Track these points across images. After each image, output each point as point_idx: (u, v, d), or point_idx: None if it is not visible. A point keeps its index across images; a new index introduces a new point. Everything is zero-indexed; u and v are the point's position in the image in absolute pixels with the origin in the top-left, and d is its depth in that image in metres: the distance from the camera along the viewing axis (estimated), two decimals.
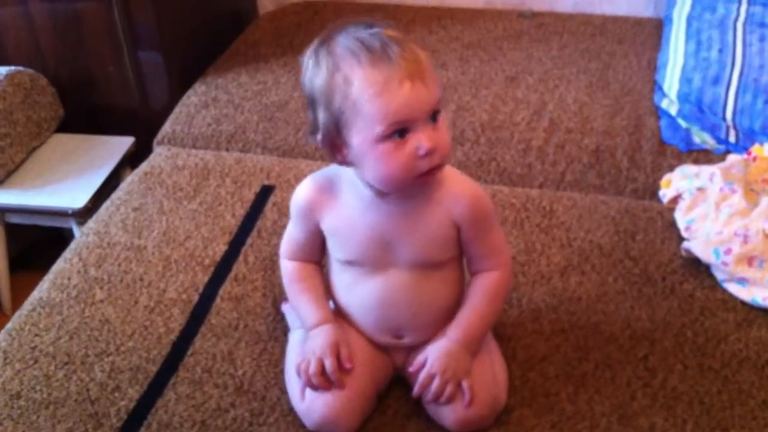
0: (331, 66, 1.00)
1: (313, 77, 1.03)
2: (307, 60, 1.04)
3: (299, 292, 1.21)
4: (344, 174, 1.13)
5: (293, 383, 1.19)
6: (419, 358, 1.14)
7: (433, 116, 1.01)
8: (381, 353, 1.21)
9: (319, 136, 1.05)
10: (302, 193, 1.17)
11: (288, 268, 1.23)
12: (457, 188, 1.12)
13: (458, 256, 1.17)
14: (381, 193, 1.09)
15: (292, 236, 1.22)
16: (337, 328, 1.16)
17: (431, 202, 1.10)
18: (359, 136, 1.01)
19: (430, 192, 1.10)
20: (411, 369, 1.15)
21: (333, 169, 1.15)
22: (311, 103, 1.05)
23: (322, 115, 1.03)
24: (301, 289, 1.21)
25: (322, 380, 1.12)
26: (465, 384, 1.12)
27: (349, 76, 0.98)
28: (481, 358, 1.17)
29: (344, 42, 1.00)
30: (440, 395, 1.11)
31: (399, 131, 0.99)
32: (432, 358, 1.13)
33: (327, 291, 1.22)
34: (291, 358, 1.22)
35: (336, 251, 1.16)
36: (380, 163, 1.01)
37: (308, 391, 1.15)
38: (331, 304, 1.23)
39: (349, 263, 1.16)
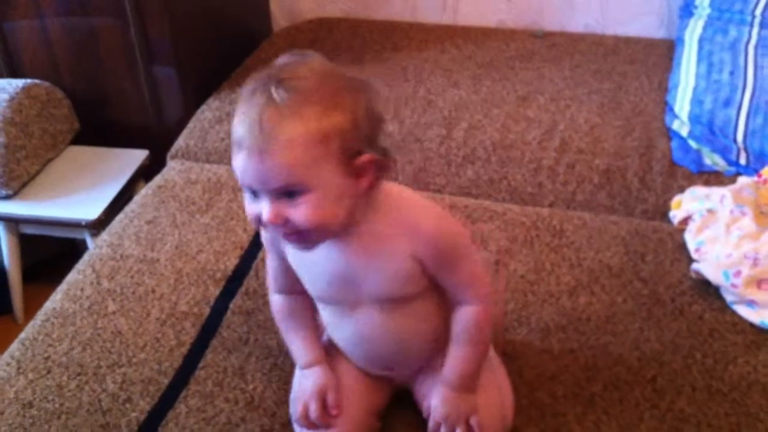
0: (240, 95, 0.96)
1: None
2: None
3: (288, 331, 1.19)
4: None
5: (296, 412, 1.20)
6: (426, 405, 1.15)
7: (288, 193, 0.93)
8: (377, 378, 1.20)
9: None
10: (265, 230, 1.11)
11: (276, 303, 1.20)
12: (414, 221, 1.04)
13: (431, 287, 1.09)
14: None
15: (270, 267, 1.18)
16: (326, 370, 1.15)
17: (388, 237, 1.03)
18: None
19: (381, 227, 1.03)
20: (424, 415, 1.16)
21: None
22: None
23: None
24: (289, 327, 1.19)
25: (309, 423, 1.13)
26: (473, 420, 1.11)
27: (235, 114, 0.95)
28: (486, 381, 1.16)
29: (255, 77, 0.95)
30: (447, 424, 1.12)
31: (250, 190, 0.96)
32: (434, 408, 1.12)
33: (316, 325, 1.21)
34: (295, 387, 1.23)
35: (306, 286, 1.12)
36: (245, 205, 0.99)
37: None
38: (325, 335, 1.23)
39: (320, 300, 1.13)
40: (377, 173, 0.99)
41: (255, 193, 0.95)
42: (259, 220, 0.96)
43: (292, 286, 1.15)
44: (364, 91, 0.97)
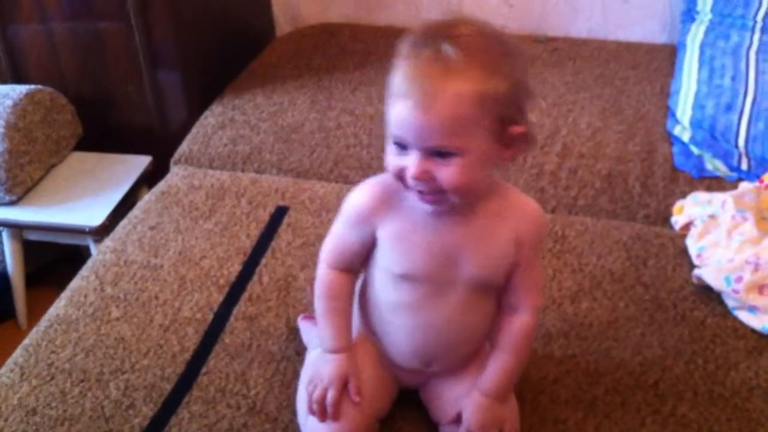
0: (400, 47, 0.97)
1: None
2: None
3: (327, 312, 1.15)
4: None
5: (302, 402, 1.19)
6: (451, 412, 1.14)
7: (440, 153, 0.94)
8: (388, 377, 1.19)
9: None
10: (361, 198, 1.09)
11: (325, 278, 1.15)
12: (524, 206, 1.08)
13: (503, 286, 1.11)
14: None
15: (340, 241, 1.13)
16: (352, 358, 1.14)
17: (497, 217, 1.05)
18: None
19: (495, 206, 1.05)
20: (444, 422, 1.15)
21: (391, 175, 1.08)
22: None
23: None
24: (330, 308, 1.15)
25: (321, 408, 1.11)
26: (507, 429, 1.12)
27: (396, 64, 0.96)
28: None
29: (419, 32, 0.96)
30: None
31: (398, 142, 0.96)
32: (469, 416, 1.11)
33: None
34: (305, 378, 1.22)
35: (392, 263, 1.09)
36: (387, 157, 1.00)
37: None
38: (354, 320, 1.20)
39: (406, 278, 1.09)
40: (523, 146, 1.00)
41: (403, 147, 0.96)
42: (401, 173, 0.96)
43: (354, 264, 1.14)
44: (523, 60, 0.99)
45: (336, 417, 1.11)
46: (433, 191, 0.97)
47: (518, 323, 1.11)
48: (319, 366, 1.15)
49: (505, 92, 0.94)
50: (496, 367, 1.11)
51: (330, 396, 1.11)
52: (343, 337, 1.14)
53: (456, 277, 1.07)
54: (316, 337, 1.29)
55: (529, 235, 1.07)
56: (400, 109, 0.93)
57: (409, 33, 0.96)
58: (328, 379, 1.12)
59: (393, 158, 0.98)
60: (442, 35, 0.93)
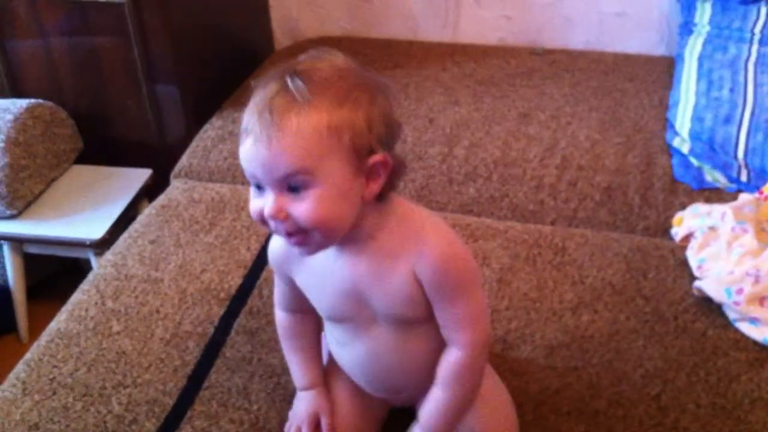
0: (254, 85, 0.95)
1: None
2: None
3: (290, 351, 1.18)
4: None
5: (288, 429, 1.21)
6: None
7: (292, 188, 0.91)
8: (372, 403, 1.19)
9: None
10: (272, 250, 1.10)
11: (281, 321, 1.18)
12: (426, 244, 0.99)
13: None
14: (339, 243, 1.01)
15: (277, 286, 1.16)
16: (322, 394, 1.14)
17: (395, 254, 1.00)
18: None
19: (395, 240, 1.00)
20: None
21: None
22: None
23: None
24: (291, 347, 1.18)
25: None
26: None
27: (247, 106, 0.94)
28: (490, 393, 1.16)
29: (270, 71, 0.95)
30: None
31: (255, 185, 0.94)
32: None
33: (319, 345, 1.21)
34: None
35: (316, 307, 1.10)
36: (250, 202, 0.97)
37: None
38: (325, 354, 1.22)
39: (331, 319, 1.10)
40: (389, 178, 0.96)
41: (260, 188, 0.93)
42: (261, 215, 0.93)
43: (299, 305, 1.14)
44: (383, 93, 0.96)
45: None
46: (294, 231, 0.93)
47: (451, 359, 1.05)
48: (295, 404, 1.17)
49: (360, 122, 0.91)
50: (431, 401, 1.08)
51: (326, 421, 1.13)
52: (309, 373, 1.17)
53: (372, 315, 1.05)
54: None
55: (427, 275, 1.00)
56: (247, 146, 0.91)
57: (268, 70, 0.95)
58: (299, 419, 1.14)
59: (252, 200, 0.95)
60: (291, 70, 0.92)
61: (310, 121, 0.88)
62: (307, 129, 0.88)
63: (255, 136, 0.89)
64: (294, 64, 0.94)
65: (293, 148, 0.89)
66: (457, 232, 1.06)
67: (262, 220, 0.94)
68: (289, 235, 0.94)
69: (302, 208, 0.91)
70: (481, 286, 1.08)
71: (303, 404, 1.15)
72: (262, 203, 0.93)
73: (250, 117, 0.91)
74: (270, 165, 0.90)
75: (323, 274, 1.04)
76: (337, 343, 1.14)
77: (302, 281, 1.09)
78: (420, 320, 1.04)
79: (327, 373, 1.20)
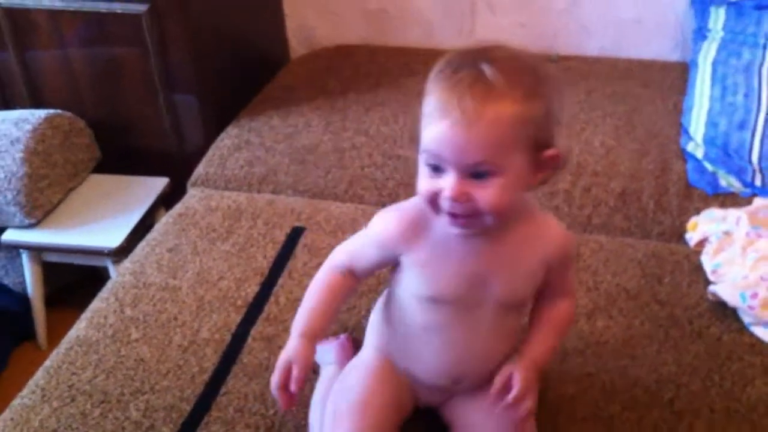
0: (434, 71, 0.98)
1: None
2: None
3: (312, 297, 1.13)
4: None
5: (315, 418, 1.20)
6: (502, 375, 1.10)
7: (477, 174, 0.94)
8: (406, 391, 1.19)
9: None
10: (386, 226, 1.09)
11: (325, 278, 1.14)
12: (551, 230, 1.10)
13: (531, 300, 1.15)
14: None
15: (359, 251, 1.13)
16: (305, 346, 1.08)
17: (526, 240, 1.07)
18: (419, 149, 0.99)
19: (523, 230, 1.06)
20: (494, 390, 1.10)
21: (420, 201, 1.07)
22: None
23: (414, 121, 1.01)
24: (317, 295, 1.13)
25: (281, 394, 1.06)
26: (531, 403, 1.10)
27: (428, 87, 0.97)
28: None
29: (456, 55, 0.97)
30: (520, 400, 1.08)
31: (432, 164, 0.96)
32: (518, 380, 1.08)
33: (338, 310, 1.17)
34: (317, 395, 1.24)
35: (419, 287, 1.09)
36: (418, 181, 0.99)
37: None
38: (371, 338, 1.21)
39: (434, 300, 1.09)
40: (554, 170, 1.01)
41: (438, 169, 0.95)
42: (434, 196, 0.96)
43: (363, 271, 1.13)
44: (555, 87, 1.00)
45: (289, 404, 1.06)
46: (468, 214, 0.97)
47: (564, 307, 1.16)
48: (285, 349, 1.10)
49: (541, 116, 0.95)
50: (541, 342, 1.14)
51: (273, 382, 1.06)
52: (310, 324, 1.11)
53: (485, 298, 1.08)
54: (329, 353, 1.30)
55: (557, 257, 1.10)
56: (441, 128, 0.93)
57: (444, 57, 0.98)
58: (278, 363, 1.07)
59: (426, 181, 0.97)
60: (481, 57, 0.94)
61: (507, 112, 0.92)
62: (504, 119, 0.92)
63: (454, 120, 0.92)
64: (485, 51, 0.96)
65: (490, 137, 0.92)
66: None
67: (433, 201, 0.97)
68: (459, 216, 0.97)
69: (486, 194, 0.95)
70: None
71: (284, 351, 1.08)
72: (440, 184, 0.95)
73: (447, 99, 0.93)
74: (465, 149, 0.93)
75: (448, 255, 1.06)
76: (425, 327, 1.12)
77: (418, 260, 1.07)
78: (520, 306, 1.13)
79: (375, 365, 1.19)
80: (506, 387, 1.08)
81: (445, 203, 0.96)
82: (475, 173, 0.94)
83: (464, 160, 0.93)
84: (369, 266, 1.13)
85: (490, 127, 0.92)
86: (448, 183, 0.95)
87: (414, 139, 1.00)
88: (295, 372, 1.05)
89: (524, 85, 0.93)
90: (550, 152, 0.98)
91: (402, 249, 1.08)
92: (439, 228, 1.04)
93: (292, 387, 1.05)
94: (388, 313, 1.18)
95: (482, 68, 0.93)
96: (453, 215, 0.98)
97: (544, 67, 0.99)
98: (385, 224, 1.09)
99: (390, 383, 1.18)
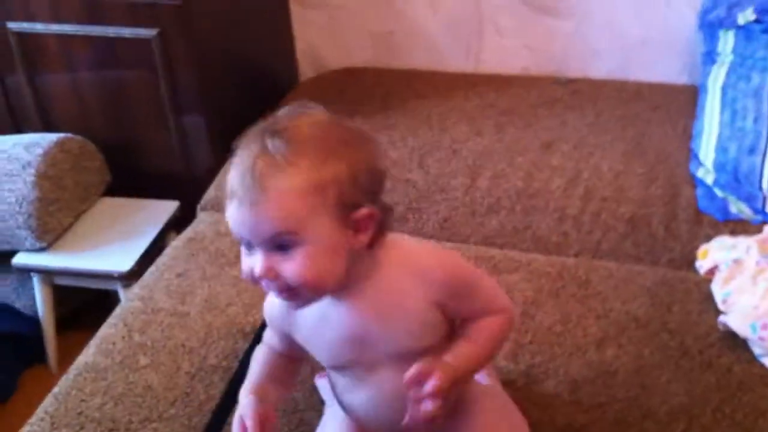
0: (236, 146, 0.96)
1: None
2: None
3: (256, 362, 1.15)
4: None
5: None
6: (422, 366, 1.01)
7: (280, 246, 0.92)
8: None
9: None
10: (268, 309, 1.12)
11: (262, 348, 1.17)
12: (423, 269, 1.02)
13: (449, 332, 1.08)
14: (337, 291, 1.01)
15: (270, 337, 1.17)
16: (254, 401, 1.06)
17: (401, 290, 1.01)
18: None
19: (394, 280, 1.01)
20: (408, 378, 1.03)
21: None
22: None
23: None
24: (261, 365, 1.15)
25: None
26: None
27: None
28: (508, 411, 1.18)
29: (251, 131, 0.96)
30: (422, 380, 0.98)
31: (244, 242, 0.95)
32: (438, 372, 0.99)
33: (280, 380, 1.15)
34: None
35: (318, 358, 1.11)
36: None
37: None
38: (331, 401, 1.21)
39: (335, 369, 1.11)
40: (377, 229, 0.97)
41: (250, 246, 0.94)
42: (252, 275, 0.94)
43: (292, 353, 1.15)
44: (366, 144, 0.97)
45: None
46: (283, 289, 0.95)
47: (488, 320, 1.07)
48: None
49: (343, 177, 0.92)
50: (460, 349, 1.05)
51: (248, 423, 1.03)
52: (254, 382, 1.11)
53: (376, 355, 1.05)
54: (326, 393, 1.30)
55: (444, 295, 1.03)
56: (231, 210, 0.92)
57: (248, 130, 0.96)
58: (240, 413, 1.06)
59: (243, 259, 0.96)
60: (270, 130, 0.93)
61: (292, 183, 0.90)
62: (289, 191, 0.90)
63: (239, 200, 0.91)
64: (273, 123, 0.95)
65: (277, 211, 0.90)
66: (480, 265, 1.07)
67: (254, 279, 0.95)
68: (279, 291, 0.96)
69: (291, 267, 0.92)
70: (474, 268, 1.11)
71: (237, 409, 1.07)
72: (252, 263, 0.94)
73: (233, 179, 0.92)
74: (255, 227, 0.91)
75: (322, 323, 1.04)
76: (342, 390, 1.13)
77: (301, 335, 1.09)
78: (428, 349, 1.04)
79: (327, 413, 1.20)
80: (420, 379, 0.98)
81: (266, 284, 0.95)
82: (278, 246, 0.92)
83: (259, 237, 0.92)
84: (282, 346, 1.14)
85: (275, 201, 0.90)
86: (256, 261, 0.93)
87: None
88: (248, 423, 1.03)
89: (314, 152, 0.91)
90: (360, 213, 0.94)
91: (287, 327, 1.09)
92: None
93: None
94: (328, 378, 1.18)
95: (267, 142, 0.91)
96: (281, 293, 0.96)
97: (352, 129, 0.97)
98: (267, 307, 1.12)
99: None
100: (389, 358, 1.04)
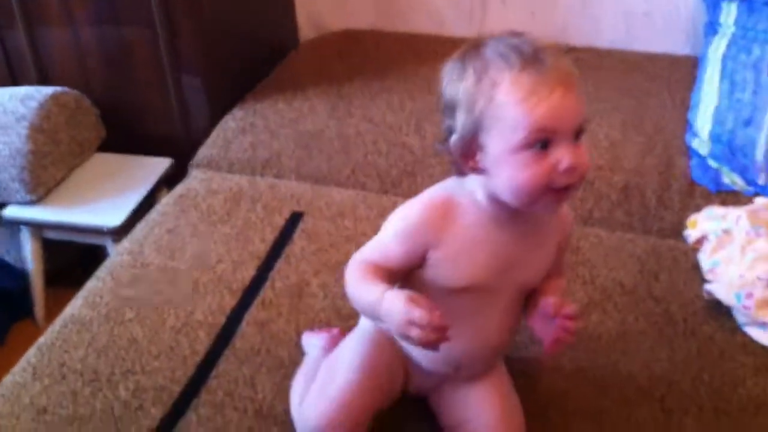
0: (479, 69, 0.97)
1: (456, 82, 0.99)
2: (452, 66, 1.01)
3: (364, 280, 1.05)
4: (461, 191, 1.06)
5: (296, 390, 1.22)
6: (462, 416, 1.17)
7: (577, 135, 0.96)
8: (399, 372, 1.18)
9: (454, 138, 0.99)
10: (420, 215, 1.05)
11: (363, 268, 1.06)
12: (565, 215, 1.13)
13: None
14: (503, 212, 1.03)
15: (385, 251, 1.07)
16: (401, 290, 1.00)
17: (546, 224, 1.09)
18: (499, 142, 0.96)
19: (546, 218, 1.08)
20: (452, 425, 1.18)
21: (448, 186, 1.08)
22: (450, 108, 1.00)
23: (461, 119, 0.98)
24: (368, 280, 1.04)
25: (431, 330, 0.94)
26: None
27: (496, 79, 0.95)
28: (506, 404, 1.19)
29: (495, 46, 0.97)
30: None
31: (542, 141, 0.94)
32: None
33: None
34: (302, 369, 1.26)
35: (446, 280, 1.06)
36: (517, 173, 0.95)
37: (306, 398, 1.16)
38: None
39: (459, 291, 1.07)
40: None
41: (544, 144, 0.94)
42: (547, 176, 0.94)
43: (391, 279, 1.05)
44: None
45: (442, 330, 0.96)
46: (579, 181, 0.98)
47: (560, 282, 1.17)
48: (389, 312, 0.98)
49: None
50: (553, 289, 1.13)
51: (422, 317, 0.94)
52: (383, 284, 1.02)
53: (508, 283, 1.10)
54: (315, 346, 1.30)
55: (565, 238, 1.15)
56: (553, 101, 0.93)
57: (481, 53, 0.99)
58: (404, 311, 0.96)
59: (532, 166, 0.95)
60: (530, 41, 0.98)
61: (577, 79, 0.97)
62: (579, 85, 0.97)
63: (564, 87, 0.94)
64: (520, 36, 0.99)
65: (582, 97, 0.97)
66: None
67: (544, 183, 0.95)
68: (571, 187, 0.98)
69: (585, 154, 0.97)
70: None
71: (395, 305, 0.97)
72: (548, 165, 0.94)
73: (540, 82, 0.93)
74: (577, 110, 0.96)
75: (480, 241, 1.05)
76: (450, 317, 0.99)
77: (449, 251, 1.05)
78: (531, 291, 1.13)
79: (373, 330, 1.17)
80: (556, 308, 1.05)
81: (561, 178, 0.95)
82: (577, 135, 0.96)
83: (576, 121, 0.96)
84: (396, 266, 1.06)
85: (579, 86, 0.97)
86: (565, 152, 0.94)
87: (465, 138, 0.99)
88: (424, 302, 0.95)
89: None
90: None
91: (431, 241, 1.05)
92: (467, 217, 1.05)
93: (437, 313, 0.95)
94: None
95: (531, 40, 0.97)
96: (565, 189, 0.97)
97: None
98: (416, 214, 1.06)
99: (387, 355, 1.17)
100: (516, 288, 1.11)
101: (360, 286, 1.05)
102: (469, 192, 1.05)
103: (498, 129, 0.96)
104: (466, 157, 1.00)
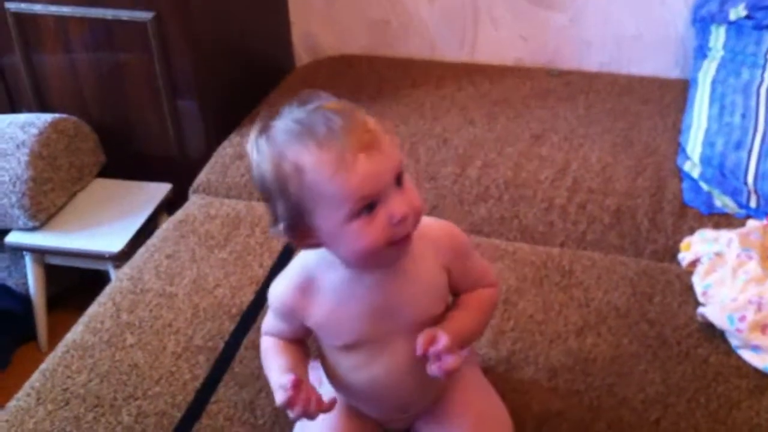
0: (275, 156, 0.94)
1: (259, 170, 0.97)
2: (250, 152, 0.99)
3: (276, 355, 1.13)
4: (317, 260, 1.07)
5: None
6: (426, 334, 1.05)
7: (398, 180, 0.95)
8: (370, 425, 1.21)
9: (281, 227, 0.99)
10: (282, 296, 1.10)
11: (269, 342, 1.15)
12: (433, 233, 1.08)
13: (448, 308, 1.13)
14: (360, 267, 1.03)
15: (274, 330, 1.15)
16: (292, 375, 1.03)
17: (416, 257, 1.05)
18: (326, 219, 0.95)
19: (413, 249, 1.03)
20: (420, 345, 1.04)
21: (304, 258, 1.10)
22: (265, 195, 0.99)
23: (280, 206, 0.97)
24: (277, 354, 1.13)
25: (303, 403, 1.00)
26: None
27: (297, 163, 0.92)
28: (489, 422, 1.20)
29: (283, 127, 0.96)
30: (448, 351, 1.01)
31: (367, 206, 0.93)
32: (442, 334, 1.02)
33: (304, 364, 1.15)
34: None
35: (331, 339, 1.10)
36: (355, 241, 0.95)
37: None
38: (327, 386, 1.20)
39: (348, 348, 1.10)
40: None
41: (370, 207, 0.94)
42: (386, 231, 0.94)
43: (295, 337, 1.15)
44: None
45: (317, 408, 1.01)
46: (414, 225, 0.98)
47: (483, 293, 1.15)
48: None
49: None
50: (453, 321, 1.09)
51: (285, 382, 1.00)
52: (291, 366, 1.09)
53: (398, 327, 1.08)
54: (316, 379, 1.30)
55: (450, 258, 1.10)
56: (361, 165, 0.91)
57: (271, 138, 0.97)
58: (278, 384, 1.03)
59: (367, 231, 0.94)
60: (317, 108, 0.96)
61: (379, 125, 0.96)
62: (382, 130, 0.96)
63: (366, 151, 0.91)
64: (296, 106, 0.99)
65: (390, 145, 0.95)
66: None
67: (386, 239, 0.95)
68: (409, 233, 0.97)
69: (412, 195, 0.97)
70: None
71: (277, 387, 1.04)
72: (382, 221, 0.94)
73: (342, 146, 0.91)
74: (388, 165, 0.93)
75: (345, 301, 1.06)
76: (349, 371, 1.13)
77: (317, 318, 1.08)
78: (437, 319, 1.09)
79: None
80: (431, 341, 1.01)
81: (399, 229, 0.95)
82: (397, 180, 0.95)
83: (392, 174, 0.94)
84: (288, 336, 1.14)
85: (380, 130, 0.95)
86: (393, 205, 0.94)
87: (292, 223, 0.98)
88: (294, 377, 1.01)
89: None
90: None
91: (302, 316, 1.09)
92: (327, 284, 1.06)
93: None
94: (323, 362, 1.18)
95: (317, 107, 0.95)
96: (405, 238, 0.97)
97: None
98: (279, 295, 1.10)
99: (356, 420, 1.20)
100: (406, 328, 1.07)
101: (265, 362, 1.14)
102: (323, 257, 1.05)
103: (321, 208, 0.94)
104: (301, 238, 1.00)
